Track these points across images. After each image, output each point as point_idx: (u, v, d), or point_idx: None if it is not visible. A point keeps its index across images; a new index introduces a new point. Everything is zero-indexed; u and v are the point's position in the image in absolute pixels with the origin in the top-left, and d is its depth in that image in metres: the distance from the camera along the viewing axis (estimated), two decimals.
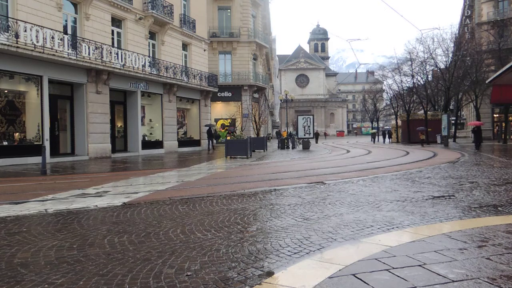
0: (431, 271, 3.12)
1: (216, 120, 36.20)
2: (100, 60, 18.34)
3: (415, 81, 38.97)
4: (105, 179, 10.26)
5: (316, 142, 41.23)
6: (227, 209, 5.86)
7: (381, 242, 3.98)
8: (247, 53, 36.22)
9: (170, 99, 24.72)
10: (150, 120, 24.46)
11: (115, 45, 20.73)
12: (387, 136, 46.85)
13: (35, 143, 16.21)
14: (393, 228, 4.60)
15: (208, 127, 25.68)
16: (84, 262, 3.53)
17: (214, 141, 25.52)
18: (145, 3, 22.51)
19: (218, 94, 33.65)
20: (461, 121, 55.44)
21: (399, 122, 46.41)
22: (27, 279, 3.12)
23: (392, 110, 51.33)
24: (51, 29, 15.87)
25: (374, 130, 49.58)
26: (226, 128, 23.19)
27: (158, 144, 24.14)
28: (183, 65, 26.61)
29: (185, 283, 2.99)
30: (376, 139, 47.09)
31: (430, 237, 4.14)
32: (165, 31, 24.40)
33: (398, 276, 3.02)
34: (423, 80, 39.33)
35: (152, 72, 22.46)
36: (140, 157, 19.78)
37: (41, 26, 15.37)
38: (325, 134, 79.31)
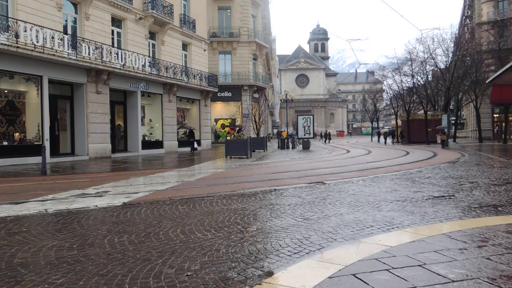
0: (431, 271, 3.12)
1: (216, 120, 36.21)
2: (100, 60, 18.33)
3: (415, 81, 38.98)
4: (105, 179, 10.26)
5: (329, 142, 43.77)
6: (227, 209, 5.86)
7: (381, 242, 3.98)
8: (247, 53, 36.22)
9: (170, 99, 24.71)
10: (150, 120, 24.45)
11: (115, 45, 20.73)
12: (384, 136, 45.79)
13: (35, 143, 16.21)
14: (393, 228, 4.60)
15: (190, 130, 24.57)
16: (84, 262, 3.53)
17: (196, 144, 24.49)
18: (145, 3, 22.50)
19: (218, 94, 33.64)
20: (461, 121, 55.39)
21: (399, 122, 46.36)
22: (27, 279, 3.12)
23: (392, 110, 51.29)
24: (51, 29, 15.86)
25: (386, 129, 46.38)
26: (233, 128, 22.10)
27: (158, 144, 24.14)
28: (183, 65, 26.60)
29: (185, 283, 2.99)
30: (388, 139, 42.14)
31: (430, 237, 4.14)
32: (165, 31, 24.39)
33: (398, 276, 3.02)
34: (423, 80, 39.31)
35: (152, 72, 22.46)
36: (140, 157, 19.77)
37: (41, 26, 15.37)
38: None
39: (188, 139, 24.14)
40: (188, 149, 23.53)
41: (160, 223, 5.01)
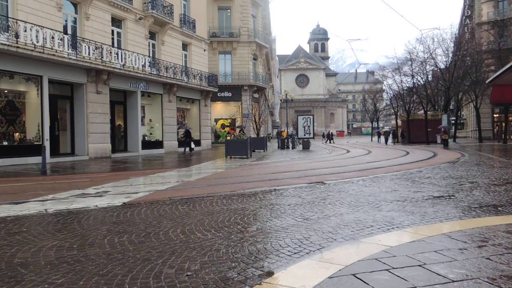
0: (431, 271, 3.12)
1: (216, 120, 36.21)
2: (100, 60, 18.33)
3: (415, 81, 38.97)
4: (105, 179, 10.26)
5: (330, 142, 43.62)
6: (227, 209, 5.86)
7: (381, 242, 3.98)
8: (247, 53, 36.21)
9: (170, 99, 24.71)
10: (150, 120, 24.44)
11: (115, 45, 20.72)
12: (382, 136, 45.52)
13: (35, 143, 16.21)
14: (393, 228, 4.60)
15: (186, 129, 24.25)
16: (84, 262, 3.53)
17: (193, 144, 24.48)
18: (145, 3, 22.50)
19: (218, 94, 33.64)
20: (461, 121, 55.38)
21: (399, 122, 46.34)
22: (27, 279, 3.12)
23: (392, 110, 51.29)
24: (51, 29, 15.85)
25: (387, 129, 45.74)
26: (234, 128, 21.58)
27: (158, 144, 24.13)
28: (183, 65, 26.60)
29: (185, 283, 2.99)
30: (389, 139, 41.67)
31: (430, 237, 4.14)
32: (165, 31, 24.39)
33: (398, 276, 3.02)
34: (423, 80, 39.31)
35: (152, 72, 22.46)
36: (140, 157, 19.77)
37: (41, 26, 15.36)
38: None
39: (184, 139, 24.01)
40: (187, 149, 23.35)
41: (160, 223, 5.01)
